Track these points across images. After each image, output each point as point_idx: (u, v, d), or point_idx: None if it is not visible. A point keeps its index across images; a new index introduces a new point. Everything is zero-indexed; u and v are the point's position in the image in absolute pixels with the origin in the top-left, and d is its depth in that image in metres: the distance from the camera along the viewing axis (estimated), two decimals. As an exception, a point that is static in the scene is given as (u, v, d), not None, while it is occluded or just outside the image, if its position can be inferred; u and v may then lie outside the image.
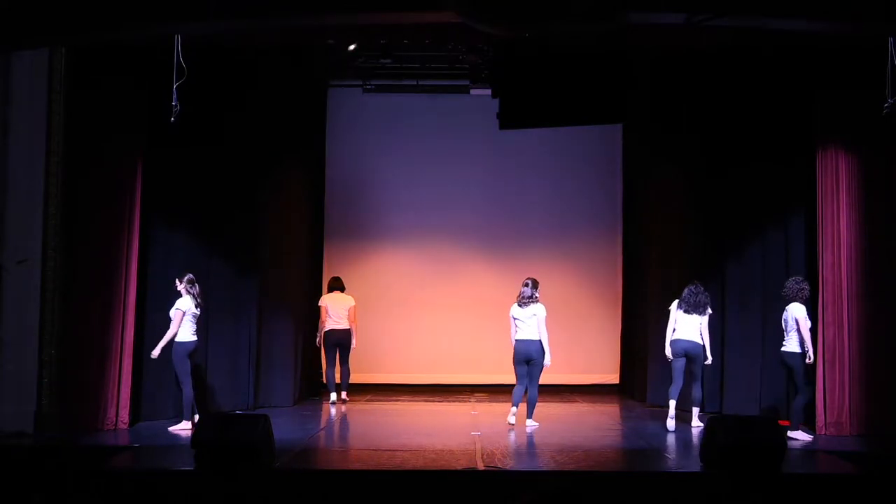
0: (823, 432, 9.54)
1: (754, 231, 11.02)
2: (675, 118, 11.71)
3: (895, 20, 7.67)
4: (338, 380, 12.20)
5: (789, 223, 10.83)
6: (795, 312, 9.43)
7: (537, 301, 10.11)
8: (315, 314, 12.35)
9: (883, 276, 9.64)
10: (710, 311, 10.19)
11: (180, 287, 9.72)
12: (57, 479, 7.25)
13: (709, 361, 10.20)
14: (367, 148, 14.43)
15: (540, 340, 10.02)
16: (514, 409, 10.19)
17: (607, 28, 8.20)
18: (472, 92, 13.16)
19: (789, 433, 9.25)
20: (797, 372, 9.41)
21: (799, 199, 10.58)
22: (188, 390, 9.62)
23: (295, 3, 7.79)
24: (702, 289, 10.21)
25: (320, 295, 12.77)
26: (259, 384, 11.41)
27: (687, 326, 10.09)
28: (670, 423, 9.83)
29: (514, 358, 10.17)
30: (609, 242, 14.49)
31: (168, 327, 9.71)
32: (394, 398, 12.99)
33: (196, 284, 9.78)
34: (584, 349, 13.96)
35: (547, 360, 10.07)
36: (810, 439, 9.31)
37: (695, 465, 7.99)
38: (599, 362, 14.15)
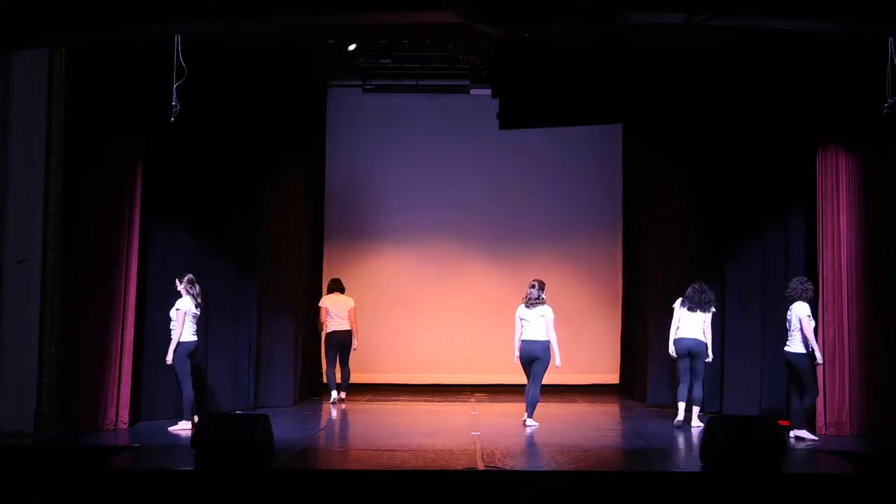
0: (823, 432, 9.53)
1: (754, 231, 11.02)
2: (675, 118, 11.71)
3: (895, 20, 7.67)
4: (338, 380, 12.24)
5: (789, 223, 10.83)
6: (799, 311, 9.40)
7: (544, 303, 10.16)
8: (316, 314, 12.37)
9: (883, 276, 9.64)
10: (714, 308, 10.25)
11: (180, 287, 9.72)
12: (57, 479, 7.24)
13: (709, 359, 10.23)
14: (367, 148, 14.42)
15: (545, 341, 10.08)
16: (528, 421, 10.21)
17: (607, 28, 8.19)
18: (472, 92, 13.16)
19: (796, 432, 9.27)
20: (803, 372, 9.36)
21: (799, 198, 10.58)
22: (188, 390, 9.62)
23: (295, 3, 7.79)
24: (706, 287, 10.27)
25: (320, 295, 12.81)
26: (259, 384, 11.41)
27: (690, 324, 10.14)
28: (679, 423, 9.95)
29: (520, 359, 10.23)
30: (609, 242, 14.49)
31: (168, 328, 9.72)
32: (394, 398, 12.99)
33: (196, 285, 9.78)
34: (584, 349, 13.95)
35: (557, 360, 10.14)
36: (817, 439, 9.30)
37: (695, 465, 7.99)
38: (599, 362, 14.15)
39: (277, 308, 11.68)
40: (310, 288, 12.97)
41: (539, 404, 10.29)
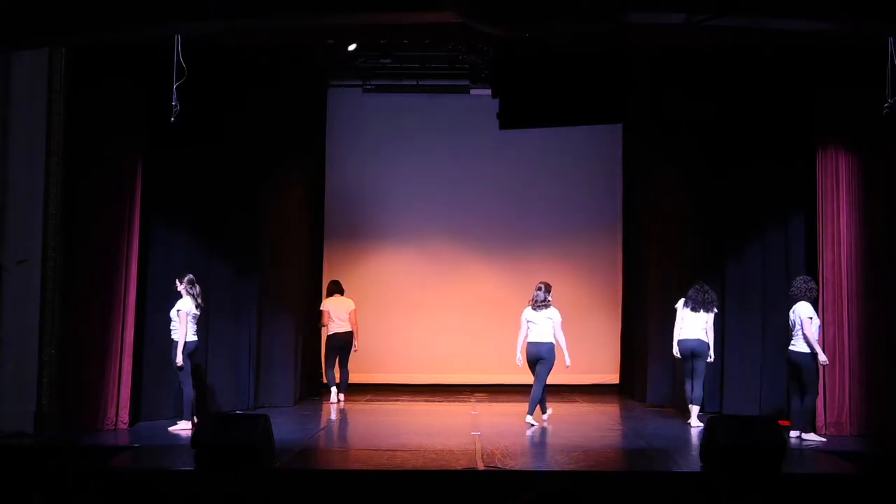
0: (823, 432, 9.53)
1: (754, 231, 11.02)
2: (675, 118, 11.70)
3: (895, 20, 7.67)
4: (337, 380, 12.27)
5: (789, 223, 10.83)
6: (802, 311, 9.37)
7: (550, 305, 10.23)
8: (316, 314, 12.38)
9: (883, 276, 9.64)
10: (716, 309, 10.31)
11: (180, 288, 9.72)
12: (57, 479, 7.24)
13: (711, 359, 10.27)
14: (367, 148, 14.43)
15: (551, 343, 10.17)
16: (528, 419, 10.26)
17: (607, 28, 8.18)
18: (472, 92, 13.15)
19: (803, 436, 9.26)
20: (807, 372, 9.33)
21: (799, 198, 10.58)
22: (188, 390, 9.62)
23: (295, 3, 7.79)
24: (708, 287, 10.34)
25: (320, 295, 12.84)
26: (259, 384, 11.41)
27: (693, 325, 10.21)
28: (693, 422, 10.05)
29: (527, 360, 10.30)
30: (609, 242, 14.49)
31: (168, 328, 9.72)
32: (394, 398, 12.99)
33: (196, 285, 9.78)
34: (585, 349, 13.88)
35: (567, 361, 10.22)
36: (825, 440, 9.28)
37: (695, 465, 7.99)
38: (599, 362, 14.14)
39: (277, 308, 11.68)
40: (310, 288, 12.98)
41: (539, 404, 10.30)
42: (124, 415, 9.68)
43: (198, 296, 9.76)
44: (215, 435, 7.49)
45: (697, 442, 8.80)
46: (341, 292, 12.29)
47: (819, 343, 9.36)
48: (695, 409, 10.15)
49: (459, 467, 7.74)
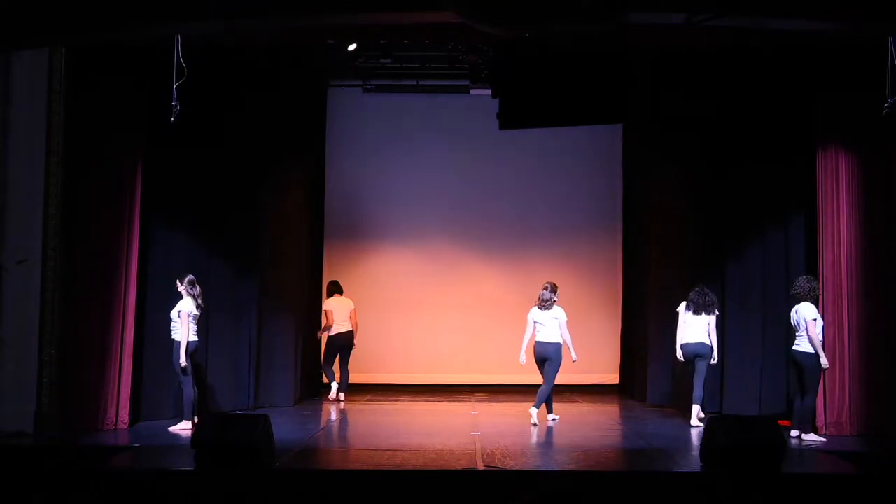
0: (823, 432, 9.53)
1: (754, 231, 11.02)
2: (675, 118, 11.70)
3: (895, 20, 7.67)
4: (337, 380, 12.30)
5: (789, 223, 10.83)
6: (806, 312, 9.33)
7: (556, 305, 10.32)
8: (316, 314, 12.39)
9: (883, 276, 9.64)
10: (717, 311, 10.34)
11: (181, 288, 9.72)
12: (57, 479, 7.24)
13: (715, 360, 10.31)
14: (367, 148, 14.43)
15: (557, 343, 10.29)
16: (531, 410, 10.34)
17: (607, 28, 8.18)
18: (472, 92, 13.16)
19: (803, 436, 9.25)
20: (809, 372, 9.30)
21: (799, 198, 10.58)
22: (188, 390, 9.62)
23: (295, 3, 7.80)
24: (707, 290, 10.38)
25: (320, 295, 12.87)
26: (259, 384, 11.41)
27: (695, 328, 10.27)
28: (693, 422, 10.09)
29: (534, 359, 10.41)
30: (609, 242, 14.50)
31: (168, 328, 9.73)
32: (394, 398, 12.99)
33: (197, 286, 9.78)
34: (584, 349, 13.79)
35: (573, 356, 10.38)
36: (825, 440, 9.28)
37: (695, 465, 7.99)
38: (599, 362, 14.13)
39: (277, 308, 11.68)
40: (310, 288, 12.98)
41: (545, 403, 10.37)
42: (124, 415, 9.68)
43: (198, 296, 9.76)
44: (215, 435, 7.49)
45: (697, 442, 8.80)
46: (341, 292, 12.39)
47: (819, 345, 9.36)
48: (695, 409, 10.16)
49: (459, 467, 7.74)
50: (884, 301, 9.61)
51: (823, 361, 9.28)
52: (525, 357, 10.43)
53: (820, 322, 9.36)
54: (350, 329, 12.19)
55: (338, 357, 12.31)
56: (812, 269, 10.11)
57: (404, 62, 12.69)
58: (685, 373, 10.67)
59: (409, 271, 14.58)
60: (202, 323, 10.09)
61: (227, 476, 7.27)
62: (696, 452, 8.35)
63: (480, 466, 7.80)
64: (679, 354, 10.42)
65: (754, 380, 10.86)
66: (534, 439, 9.57)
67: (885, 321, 9.59)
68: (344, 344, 12.21)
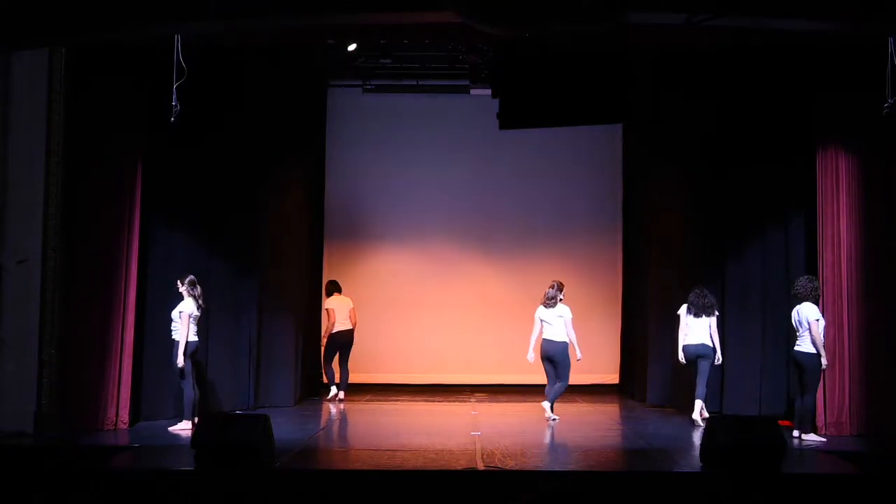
0: (823, 432, 9.53)
1: (754, 231, 11.02)
2: (675, 118, 11.71)
3: (895, 20, 7.67)
4: (337, 379, 12.31)
5: (789, 223, 10.83)
6: (808, 313, 9.31)
7: (562, 303, 10.42)
8: (316, 314, 12.40)
9: (883, 276, 9.64)
10: (717, 312, 10.36)
11: (182, 289, 9.72)
12: (57, 479, 7.24)
13: (719, 361, 10.36)
14: (367, 148, 14.42)
15: (563, 342, 10.42)
16: (544, 404, 10.51)
17: (607, 28, 8.19)
18: (472, 92, 13.16)
19: (804, 436, 9.25)
20: (810, 372, 9.28)
21: (799, 199, 10.58)
22: (189, 390, 9.62)
23: (295, 3, 7.80)
24: (707, 291, 10.40)
25: (320, 295, 12.89)
26: (259, 384, 11.41)
27: (697, 330, 10.31)
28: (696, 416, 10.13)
29: (541, 357, 10.55)
30: (609, 242, 14.49)
31: (168, 328, 9.72)
32: (394, 398, 12.99)
33: (197, 286, 9.78)
34: (584, 349, 13.82)
35: (578, 354, 10.50)
36: (825, 440, 9.28)
37: (695, 465, 7.99)
38: (599, 362, 14.12)
39: (277, 308, 11.69)
40: (310, 288, 12.99)
41: (538, 404, 10.35)
42: (124, 415, 9.68)
43: (199, 297, 9.76)
44: (215, 435, 7.49)
45: (697, 442, 8.80)
46: (340, 291, 12.44)
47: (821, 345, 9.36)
48: (698, 404, 10.17)
49: (459, 467, 7.74)
50: (884, 301, 9.61)
51: (824, 361, 9.28)
52: (533, 355, 10.50)
53: (823, 322, 9.36)
54: (350, 327, 12.26)
55: (337, 356, 12.33)
56: (812, 269, 10.11)
57: (404, 62, 12.69)
58: (685, 373, 10.67)
59: (409, 271, 14.58)
60: (202, 323, 10.10)
61: (227, 476, 7.27)
62: (696, 452, 8.35)
63: (480, 466, 7.80)
64: (680, 357, 10.43)
65: (754, 380, 10.87)
66: (534, 439, 9.56)
67: (885, 321, 9.59)
68: (344, 342, 12.27)
